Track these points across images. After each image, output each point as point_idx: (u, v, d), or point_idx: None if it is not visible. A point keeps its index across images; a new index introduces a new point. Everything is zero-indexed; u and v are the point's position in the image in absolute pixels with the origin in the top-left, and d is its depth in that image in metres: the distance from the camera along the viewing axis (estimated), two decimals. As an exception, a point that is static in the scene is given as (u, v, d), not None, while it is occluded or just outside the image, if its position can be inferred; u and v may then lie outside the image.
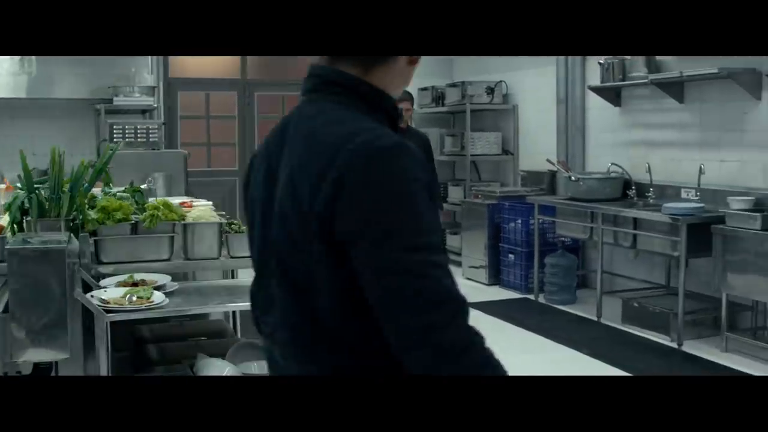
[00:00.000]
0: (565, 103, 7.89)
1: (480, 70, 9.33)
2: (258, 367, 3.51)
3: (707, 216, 5.83)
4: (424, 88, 9.57)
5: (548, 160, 7.67)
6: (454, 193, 9.25)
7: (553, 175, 7.93)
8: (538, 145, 8.44)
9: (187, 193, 6.82)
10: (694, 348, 5.81)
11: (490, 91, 8.89)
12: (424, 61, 8.24)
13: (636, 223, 6.37)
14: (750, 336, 5.78)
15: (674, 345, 5.87)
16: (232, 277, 4.95)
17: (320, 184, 1.37)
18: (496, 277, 8.16)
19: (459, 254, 8.68)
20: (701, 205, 6.02)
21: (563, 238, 7.50)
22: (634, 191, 6.93)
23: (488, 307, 7.12)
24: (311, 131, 1.44)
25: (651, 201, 6.65)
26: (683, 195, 6.51)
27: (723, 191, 6.10)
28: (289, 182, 1.43)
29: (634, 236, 6.40)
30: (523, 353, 5.79)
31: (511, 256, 7.93)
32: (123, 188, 4.23)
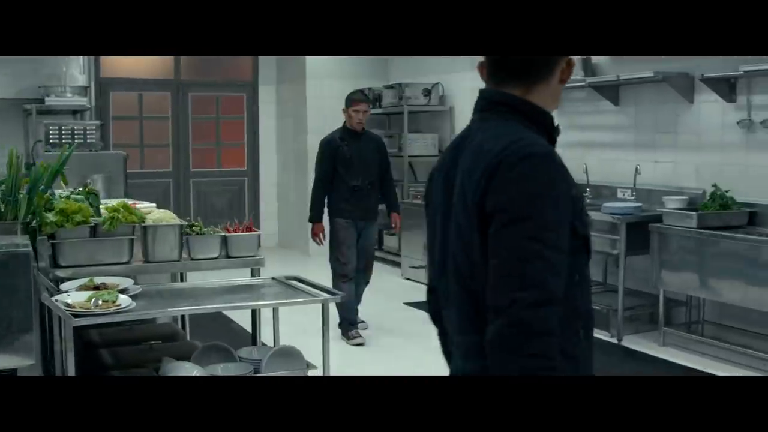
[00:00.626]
0: (502, 105, 8.00)
1: (416, 71, 9.41)
2: (223, 370, 3.48)
3: (645, 215, 6.02)
4: (360, 90, 9.57)
5: (487, 161, 7.79)
6: (392, 195, 9.28)
7: (490, 176, 8.03)
8: (475, 147, 8.54)
9: (127, 195, 6.69)
10: (633, 343, 6.00)
11: (427, 92, 8.96)
12: (360, 62, 8.26)
13: (575, 222, 6.50)
14: (685, 330, 5.99)
15: (614, 340, 6.05)
16: (181, 280, 4.89)
17: (480, 180, 1.59)
18: (436, 277, 8.21)
19: (398, 255, 8.74)
20: (639, 204, 6.21)
21: (502, 238, 7.60)
22: (571, 191, 7.08)
23: (431, 307, 7.17)
24: (480, 143, 1.67)
25: (588, 201, 6.81)
26: (619, 195, 6.70)
27: (658, 191, 6.31)
28: (461, 187, 1.65)
29: (573, 235, 6.53)
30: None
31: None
32: (71, 190, 4.14)
